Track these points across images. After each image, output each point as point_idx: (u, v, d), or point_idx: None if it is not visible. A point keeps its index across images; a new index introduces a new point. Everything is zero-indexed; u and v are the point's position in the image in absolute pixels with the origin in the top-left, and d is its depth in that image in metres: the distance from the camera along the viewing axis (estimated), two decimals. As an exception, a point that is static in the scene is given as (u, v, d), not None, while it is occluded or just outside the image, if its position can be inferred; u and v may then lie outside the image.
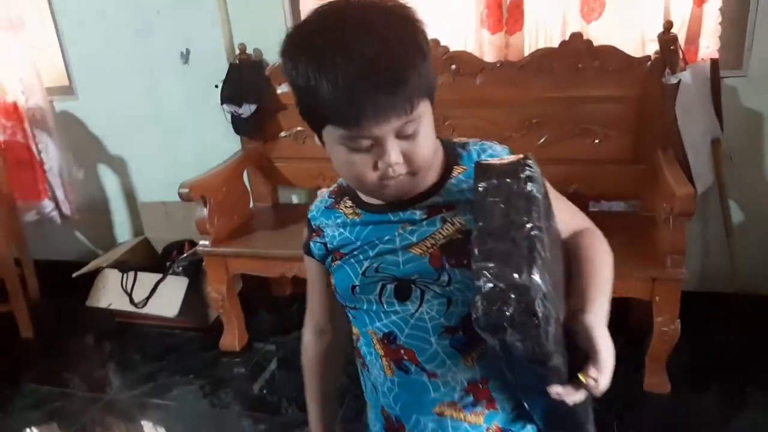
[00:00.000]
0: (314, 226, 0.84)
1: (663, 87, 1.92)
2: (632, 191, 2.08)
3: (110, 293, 2.38)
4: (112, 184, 2.73)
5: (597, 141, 2.04)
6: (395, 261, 0.74)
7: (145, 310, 2.30)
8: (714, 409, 1.79)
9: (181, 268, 2.30)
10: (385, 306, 0.76)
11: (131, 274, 2.36)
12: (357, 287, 0.77)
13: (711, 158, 2.02)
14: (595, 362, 0.63)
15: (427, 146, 0.70)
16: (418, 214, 0.75)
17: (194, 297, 2.29)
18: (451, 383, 0.76)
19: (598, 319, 0.67)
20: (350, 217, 0.79)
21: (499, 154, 0.77)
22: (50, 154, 2.68)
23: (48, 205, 2.76)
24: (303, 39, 0.67)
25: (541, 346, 0.60)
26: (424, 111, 0.69)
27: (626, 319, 2.15)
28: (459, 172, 0.76)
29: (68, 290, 2.52)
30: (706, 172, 2.01)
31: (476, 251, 0.61)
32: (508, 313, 0.57)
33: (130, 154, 2.66)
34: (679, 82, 1.91)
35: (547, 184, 0.74)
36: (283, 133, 2.33)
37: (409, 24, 0.68)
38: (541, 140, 2.08)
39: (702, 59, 1.99)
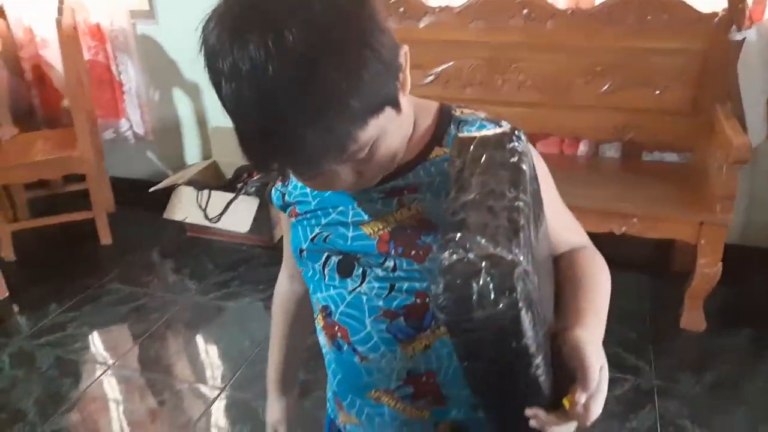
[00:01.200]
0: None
1: (728, 43, 2.00)
2: (687, 143, 2.18)
3: (186, 208, 2.57)
4: (185, 108, 2.89)
5: (658, 92, 2.13)
6: (344, 235, 0.69)
7: (218, 225, 2.49)
8: (743, 350, 1.93)
9: (253, 188, 2.47)
10: (326, 278, 0.72)
11: (205, 192, 2.54)
12: (304, 251, 0.73)
13: (765, 116, 2.11)
14: (584, 384, 0.54)
15: (391, 153, 0.61)
16: (375, 194, 0.67)
17: (263, 217, 2.47)
18: (386, 371, 0.70)
19: (589, 335, 0.57)
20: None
21: None
22: (129, 75, 2.84)
23: (124, 124, 2.94)
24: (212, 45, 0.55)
25: (518, 337, 0.48)
26: (379, 127, 0.56)
27: (670, 262, 2.29)
28: (437, 155, 0.66)
29: (140, 205, 2.72)
30: (759, 128, 2.10)
31: (447, 221, 0.52)
32: (476, 287, 0.46)
33: (204, 80, 2.80)
34: (743, 39, 1.99)
35: (548, 182, 0.67)
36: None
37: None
38: (604, 88, 2.18)
39: (768, 18, 2.06)
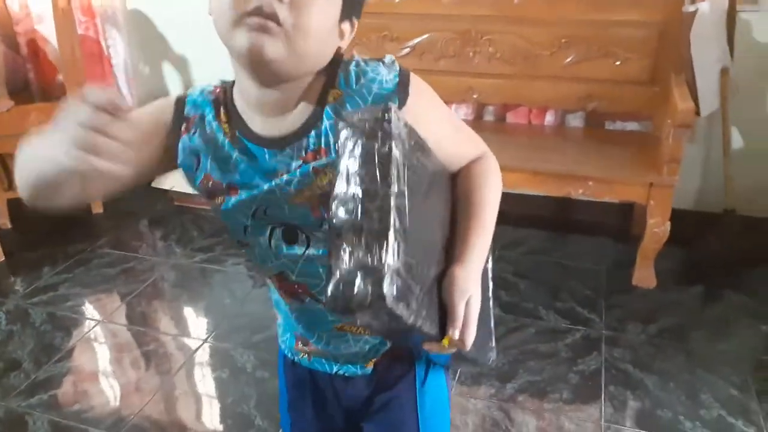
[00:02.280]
0: (187, 115, 0.75)
1: (682, 15, 2.11)
2: (646, 111, 2.30)
3: (171, 178, 2.69)
4: (174, 82, 3.00)
5: (618, 63, 2.25)
6: (281, 210, 0.73)
7: (203, 193, 2.62)
8: (689, 304, 2.07)
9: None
10: (273, 248, 0.76)
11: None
12: (249, 228, 0.76)
13: (718, 85, 2.22)
14: (451, 321, 0.67)
15: (321, 16, 0.65)
16: (292, 164, 0.71)
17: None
18: None
19: (462, 270, 0.69)
20: (228, 139, 0.73)
21: (382, 78, 0.70)
22: (118, 50, 2.95)
23: (114, 97, 3.05)
24: None
25: (398, 322, 0.59)
26: None
27: (629, 227, 2.42)
28: (334, 98, 0.70)
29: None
30: (712, 97, 2.21)
31: (332, 223, 0.59)
32: (354, 297, 0.55)
33: (193, 54, 2.92)
34: (696, 11, 2.09)
35: (436, 112, 0.74)
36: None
37: None
38: (568, 59, 2.29)
39: (721, -9, 2.16)
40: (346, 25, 0.71)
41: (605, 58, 2.27)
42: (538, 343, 1.89)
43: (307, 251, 0.75)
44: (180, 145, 0.75)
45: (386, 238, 0.57)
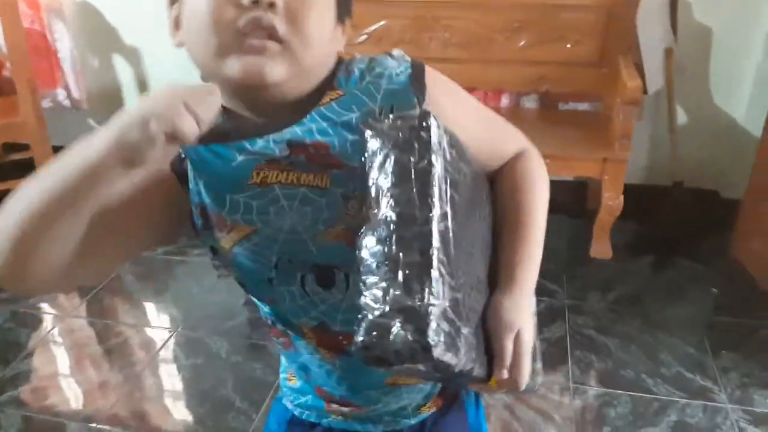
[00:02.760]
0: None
1: (628, -2, 2.21)
2: (596, 92, 2.40)
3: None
4: (126, 75, 2.94)
5: (569, 45, 2.33)
6: (308, 251, 0.62)
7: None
8: (645, 273, 2.18)
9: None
10: (310, 295, 0.64)
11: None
12: (274, 280, 0.65)
13: (664, 65, 2.34)
14: (498, 362, 0.59)
15: (319, 30, 0.57)
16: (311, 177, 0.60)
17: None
18: None
19: (511, 301, 0.61)
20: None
21: (392, 70, 0.62)
22: (64, 43, 2.87)
23: (61, 93, 2.97)
24: None
25: (445, 371, 0.51)
26: None
27: (584, 203, 2.53)
28: (331, 99, 0.61)
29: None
30: (657, 76, 2.33)
31: (359, 254, 0.50)
32: (391, 346, 0.47)
33: (144, 46, 2.87)
34: (642, -6, 2.20)
35: (466, 105, 0.66)
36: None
37: None
38: (521, 43, 2.36)
39: (663, -26, 2.28)
40: (342, 27, 0.64)
41: (557, 41, 2.36)
42: (506, 315, 1.95)
43: (348, 292, 0.63)
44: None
45: (429, 273, 0.48)
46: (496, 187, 0.69)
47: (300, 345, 0.71)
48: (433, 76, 0.64)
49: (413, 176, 0.51)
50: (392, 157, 0.51)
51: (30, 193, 0.53)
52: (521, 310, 0.61)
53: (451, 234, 0.52)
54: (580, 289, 2.07)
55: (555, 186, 2.42)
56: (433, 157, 0.51)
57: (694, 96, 2.41)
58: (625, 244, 2.27)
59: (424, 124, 0.52)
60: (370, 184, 0.52)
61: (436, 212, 0.50)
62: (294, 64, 0.56)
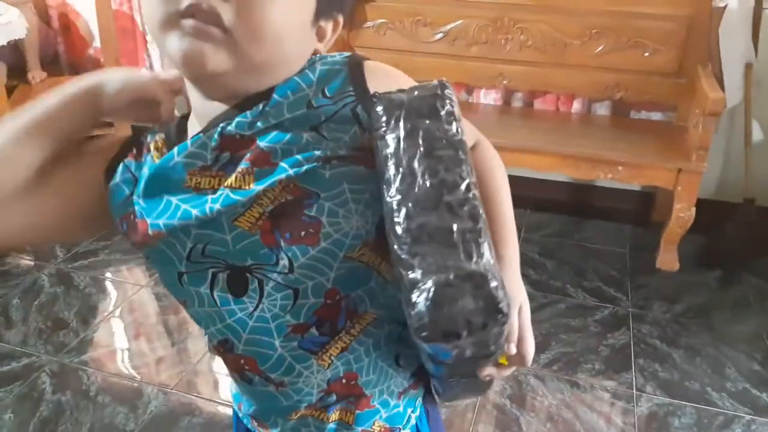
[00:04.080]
0: (143, 141, 0.62)
1: (711, 9, 2.19)
2: (671, 102, 2.38)
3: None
4: (204, 59, 3.05)
5: (647, 54, 2.32)
6: (222, 240, 0.57)
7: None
8: (711, 287, 2.16)
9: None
10: (218, 303, 0.60)
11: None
12: (184, 275, 0.60)
13: (743, 79, 2.31)
14: (508, 338, 0.56)
15: (279, 16, 0.52)
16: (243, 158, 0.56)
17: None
18: (305, 389, 0.63)
19: (506, 275, 0.58)
20: (155, 155, 0.60)
21: (331, 67, 0.58)
22: (151, 26, 2.99)
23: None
24: None
25: (497, 345, 0.50)
26: None
27: (650, 214, 2.51)
28: (272, 91, 0.57)
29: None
30: (736, 90, 2.30)
31: (399, 230, 0.47)
32: (465, 315, 0.45)
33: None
34: (725, 6, 2.18)
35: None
36: (367, 24, 2.62)
37: None
38: (598, 49, 2.36)
39: (750, -12, 2.25)
40: (326, 24, 0.59)
41: (634, 48, 2.35)
42: (569, 318, 1.97)
43: (260, 304, 0.58)
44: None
45: (481, 235, 0.47)
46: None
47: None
48: (373, 63, 0.61)
49: (446, 143, 0.49)
50: (419, 127, 0.50)
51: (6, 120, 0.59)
52: (517, 284, 0.62)
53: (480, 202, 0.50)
54: (645, 299, 2.07)
55: (621, 194, 2.45)
56: (458, 126, 0.51)
57: (771, 112, 2.37)
58: (692, 257, 2.25)
59: (445, 91, 0.52)
60: (392, 156, 0.49)
61: (469, 178, 0.49)
62: (240, 58, 0.52)
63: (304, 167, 0.55)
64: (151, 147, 0.61)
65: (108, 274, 2.20)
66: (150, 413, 1.61)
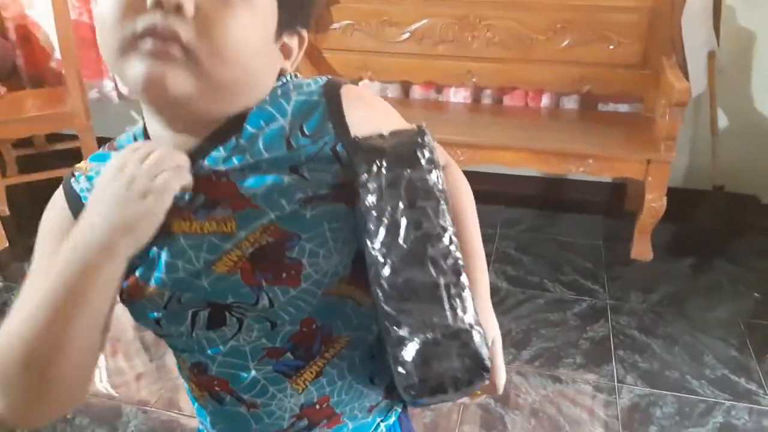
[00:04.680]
0: (81, 203, 0.58)
1: (673, 1, 2.22)
2: (637, 93, 2.41)
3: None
4: (169, 67, 3.00)
5: (612, 47, 2.34)
6: (199, 286, 0.56)
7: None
8: (685, 275, 2.19)
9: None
10: (195, 335, 0.59)
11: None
12: (162, 320, 0.59)
13: (706, 68, 2.35)
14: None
15: (242, 33, 0.50)
16: (219, 209, 0.55)
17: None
18: (277, 412, 0.62)
19: (482, 312, 0.56)
20: None
21: (312, 96, 0.57)
22: (112, 36, 2.93)
23: (108, 84, 3.04)
24: None
25: (474, 388, 0.50)
26: None
27: (622, 205, 2.54)
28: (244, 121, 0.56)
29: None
30: (700, 79, 2.33)
31: (386, 285, 0.48)
32: (452, 373, 0.46)
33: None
34: (687, -4, 2.21)
35: (384, 117, 0.61)
36: (334, 25, 2.60)
37: None
38: (564, 43, 2.38)
39: (709, -22, 2.28)
40: (290, 40, 0.57)
41: (599, 42, 2.37)
42: (548, 312, 1.98)
43: (238, 334, 0.58)
44: None
45: (464, 288, 0.48)
46: None
47: (183, 376, 0.67)
48: (350, 88, 0.59)
49: (428, 193, 0.49)
50: (401, 177, 0.50)
51: (32, 305, 0.52)
52: (490, 315, 0.63)
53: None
54: (622, 290, 2.09)
55: (593, 186, 2.47)
56: (438, 173, 0.51)
57: (735, 100, 2.41)
58: (665, 246, 2.28)
59: (423, 139, 0.52)
60: (375, 206, 0.49)
61: (450, 228, 0.49)
62: (203, 78, 0.49)
63: (287, 211, 0.54)
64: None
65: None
66: (129, 434, 1.57)
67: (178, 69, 0.48)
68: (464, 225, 0.64)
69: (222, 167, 0.55)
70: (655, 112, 2.26)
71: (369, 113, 0.59)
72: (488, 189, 2.53)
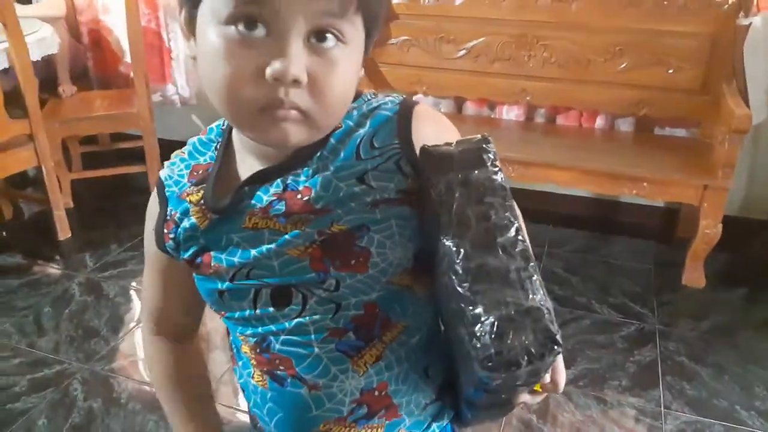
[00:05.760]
0: (168, 211, 0.66)
1: (736, 28, 2.20)
2: (695, 118, 2.39)
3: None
4: (230, 75, 3.10)
5: (671, 71, 2.33)
6: (269, 265, 0.61)
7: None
8: (737, 305, 2.15)
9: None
10: (258, 312, 0.63)
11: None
12: (225, 293, 0.63)
13: (767, 97, 2.32)
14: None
15: (342, 88, 0.56)
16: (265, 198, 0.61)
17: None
18: (338, 395, 0.63)
19: None
20: (196, 218, 0.63)
21: (387, 113, 0.62)
22: (178, 43, 3.06)
23: (170, 89, 3.16)
24: None
25: (540, 371, 0.53)
26: (354, 32, 0.55)
27: (674, 230, 2.51)
28: (330, 135, 0.61)
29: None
30: (761, 107, 2.30)
31: (460, 270, 0.51)
32: (525, 346, 0.49)
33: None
34: (750, 25, 2.19)
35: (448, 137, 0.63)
36: (391, 41, 2.66)
37: None
38: (621, 66, 2.38)
39: (774, 7, 2.26)
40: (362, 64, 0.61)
41: (657, 66, 2.36)
42: (594, 334, 1.96)
43: (302, 313, 0.61)
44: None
45: (533, 273, 0.51)
46: None
47: (242, 362, 0.69)
48: (423, 108, 0.64)
49: (494, 191, 0.54)
50: (469, 177, 0.55)
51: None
52: None
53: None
54: (671, 315, 2.06)
55: (645, 211, 2.44)
56: (502, 174, 0.56)
57: (796, 130, 2.37)
58: (717, 275, 2.24)
59: (486, 145, 0.57)
60: (445, 203, 0.54)
61: (518, 221, 0.54)
62: (315, 128, 0.57)
63: (358, 212, 0.60)
64: (192, 209, 0.64)
65: (134, 284, 2.24)
66: (179, 422, 1.62)
67: (297, 126, 0.55)
68: None
69: (306, 183, 0.61)
70: (712, 138, 2.23)
71: (435, 129, 0.63)
72: (538, 207, 2.54)
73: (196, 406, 0.78)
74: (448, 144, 0.58)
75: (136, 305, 2.14)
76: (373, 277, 0.61)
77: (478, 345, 0.49)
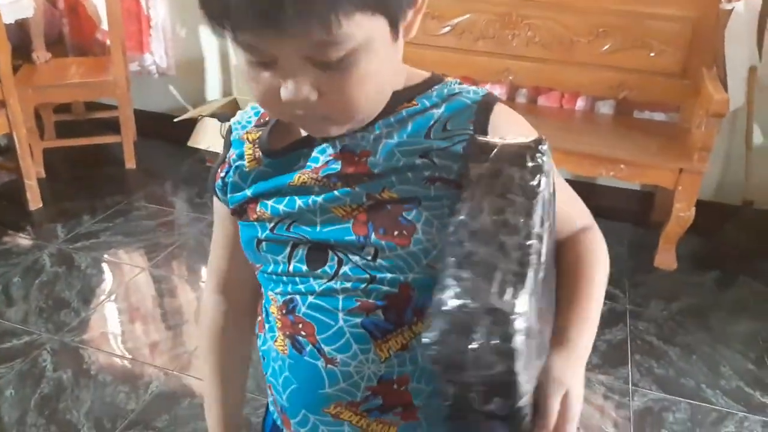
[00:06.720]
0: (228, 153, 0.67)
1: (718, 12, 2.20)
2: (674, 102, 2.40)
3: (209, 138, 2.76)
4: (210, 45, 3.05)
5: (652, 54, 2.34)
6: (311, 220, 0.60)
7: (238, 154, 2.68)
8: (708, 287, 2.18)
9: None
10: (291, 269, 0.62)
11: (227, 124, 2.73)
12: (263, 243, 0.63)
13: (746, 82, 2.33)
14: (541, 419, 0.54)
15: (366, 88, 0.53)
16: (339, 164, 0.60)
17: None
18: (354, 377, 0.60)
19: (563, 359, 0.57)
20: (248, 160, 0.64)
21: (467, 101, 0.60)
22: (158, 10, 2.99)
23: (148, 58, 3.09)
24: None
25: (508, 396, 0.47)
26: (365, 33, 0.50)
27: (649, 214, 2.53)
28: (403, 108, 0.60)
29: (160, 136, 2.92)
30: (739, 93, 2.32)
31: (448, 252, 0.49)
32: (472, 346, 0.44)
33: (229, 20, 2.96)
34: (732, 9, 2.19)
35: (553, 170, 0.59)
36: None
37: None
38: (604, 48, 2.37)
39: (757, -7, 2.26)
40: (400, 32, 0.55)
41: (640, 48, 2.36)
42: (567, 313, 1.98)
43: (334, 278, 0.60)
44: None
45: (523, 284, 0.46)
46: (563, 252, 0.66)
47: (269, 325, 0.68)
48: (505, 108, 0.62)
49: (524, 192, 0.51)
50: (502, 170, 0.52)
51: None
52: (573, 371, 0.57)
53: (542, 259, 0.50)
54: (643, 296, 2.09)
55: (622, 194, 2.45)
56: (543, 180, 0.52)
57: (772, 117, 2.39)
58: (689, 257, 2.27)
59: (539, 147, 0.54)
60: (470, 187, 0.53)
61: (535, 228, 0.49)
62: (353, 120, 0.57)
63: (413, 183, 0.59)
64: (246, 150, 0.65)
65: (106, 256, 2.21)
66: (151, 393, 1.62)
67: (334, 124, 0.56)
68: (582, 290, 0.63)
69: (367, 146, 0.60)
70: (690, 123, 2.25)
71: (513, 128, 0.61)
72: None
73: (223, 384, 0.79)
74: (502, 138, 0.56)
75: (108, 277, 2.11)
76: (413, 254, 0.58)
77: (426, 328, 0.46)
